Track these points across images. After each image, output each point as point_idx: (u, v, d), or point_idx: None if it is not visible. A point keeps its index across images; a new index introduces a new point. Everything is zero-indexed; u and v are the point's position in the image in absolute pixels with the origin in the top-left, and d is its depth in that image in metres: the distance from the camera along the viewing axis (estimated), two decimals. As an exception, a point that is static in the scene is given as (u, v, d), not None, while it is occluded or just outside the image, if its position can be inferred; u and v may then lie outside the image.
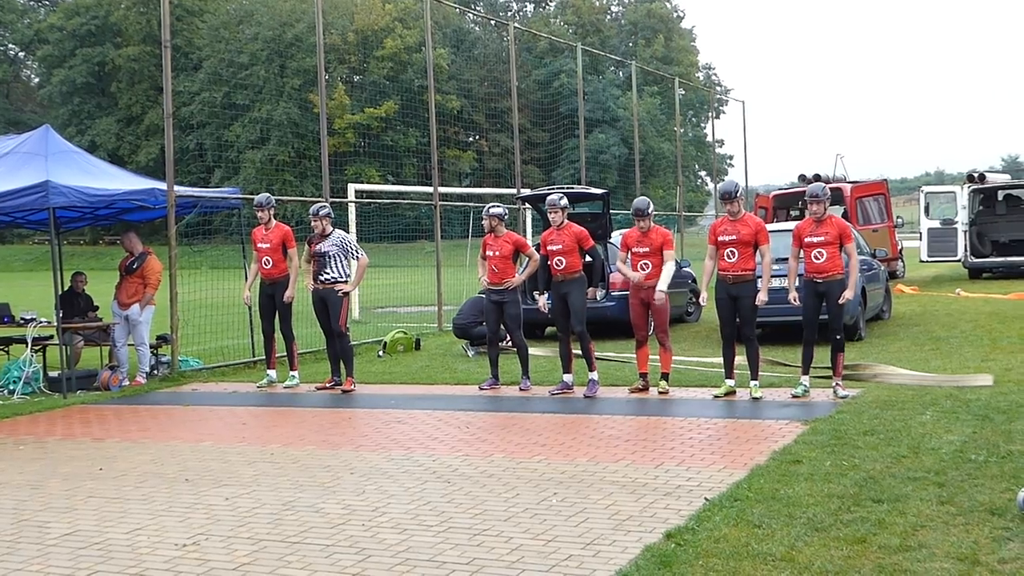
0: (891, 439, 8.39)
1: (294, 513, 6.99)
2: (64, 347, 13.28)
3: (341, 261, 12.50)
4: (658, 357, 11.48)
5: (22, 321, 13.91)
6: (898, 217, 26.14)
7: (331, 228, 12.56)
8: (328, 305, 12.46)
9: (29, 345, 13.40)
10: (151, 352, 14.26)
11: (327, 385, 12.71)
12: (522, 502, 7.03)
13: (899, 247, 26.55)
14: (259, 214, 12.93)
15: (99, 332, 14.24)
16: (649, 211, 11.33)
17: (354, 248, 12.69)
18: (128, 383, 13.60)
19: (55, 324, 13.44)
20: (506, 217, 12.24)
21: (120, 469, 8.61)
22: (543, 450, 8.70)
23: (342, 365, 12.62)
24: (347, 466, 8.40)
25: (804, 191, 23.57)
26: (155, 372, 14.16)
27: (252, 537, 6.46)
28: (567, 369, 11.68)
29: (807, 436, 8.68)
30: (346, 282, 12.62)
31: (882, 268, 17.62)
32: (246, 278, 13.87)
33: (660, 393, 11.18)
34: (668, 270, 11.23)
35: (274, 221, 13.01)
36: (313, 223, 12.50)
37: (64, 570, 5.96)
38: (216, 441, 9.74)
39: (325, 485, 7.76)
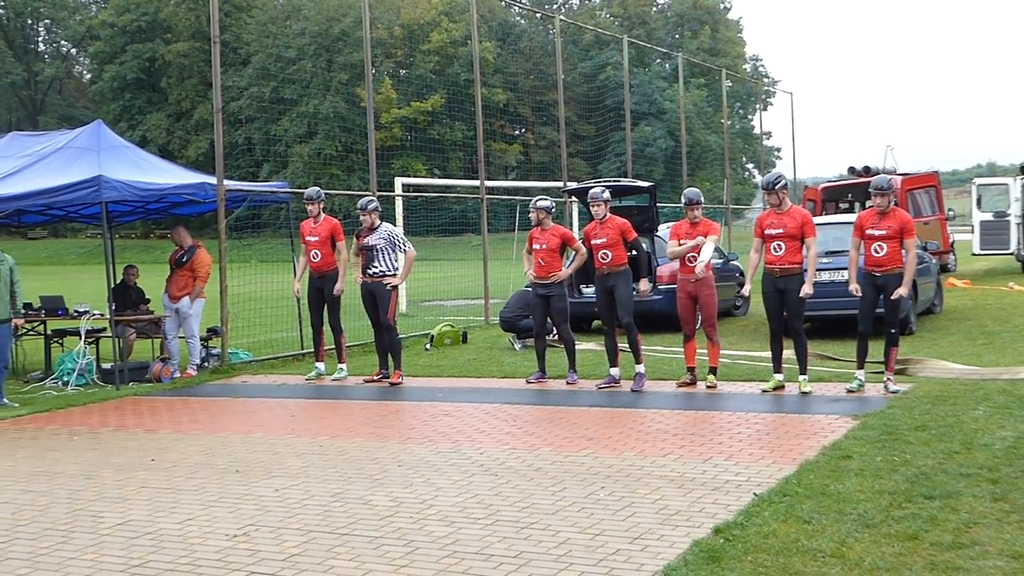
0: (943, 435, 8.29)
1: (342, 505, 7.04)
2: (117, 339, 13.45)
3: (389, 255, 12.55)
4: (706, 351, 11.43)
5: (76, 314, 14.09)
6: (949, 210, 25.77)
7: (379, 221, 12.63)
8: (377, 298, 12.52)
9: (83, 337, 13.59)
10: (202, 344, 14.41)
11: (375, 378, 12.78)
12: (569, 496, 7.03)
13: (950, 240, 26.19)
14: (309, 207, 13.01)
15: (151, 325, 14.41)
16: (700, 201, 11.31)
17: (402, 241, 12.75)
18: (179, 375, 13.74)
19: (108, 316, 13.60)
20: (553, 210, 12.23)
21: (172, 460, 8.72)
22: (590, 444, 8.69)
23: (390, 358, 12.68)
24: (395, 458, 8.44)
25: (853, 183, 23.29)
26: (206, 364, 14.31)
27: (301, 528, 6.51)
28: (613, 363, 11.65)
29: (857, 431, 8.60)
30: (394, 275, 12.67)
31: (933, 261, 17.40)
32: (295, 272, 13.98)
33: (708, 387, 11.13)
34: (708, 248, 11.19)
35: (323, 215, 13.09)
36: (362, 217, 12.57)
37: (117, 559, 6.05)
38: (266, 433, 9.83)
39: (373, 477, 7.80)
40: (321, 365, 13.27)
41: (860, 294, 10.50)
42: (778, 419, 9.50)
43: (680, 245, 11.32)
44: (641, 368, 11.49)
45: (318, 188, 13.28)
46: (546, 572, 5.51)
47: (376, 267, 12.47)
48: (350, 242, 12.94)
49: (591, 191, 11.71)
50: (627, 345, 11.61)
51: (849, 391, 10.50)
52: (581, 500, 6.91)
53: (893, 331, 10.48)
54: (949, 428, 8.52)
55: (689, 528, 6.17)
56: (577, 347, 12.53)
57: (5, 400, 11.95)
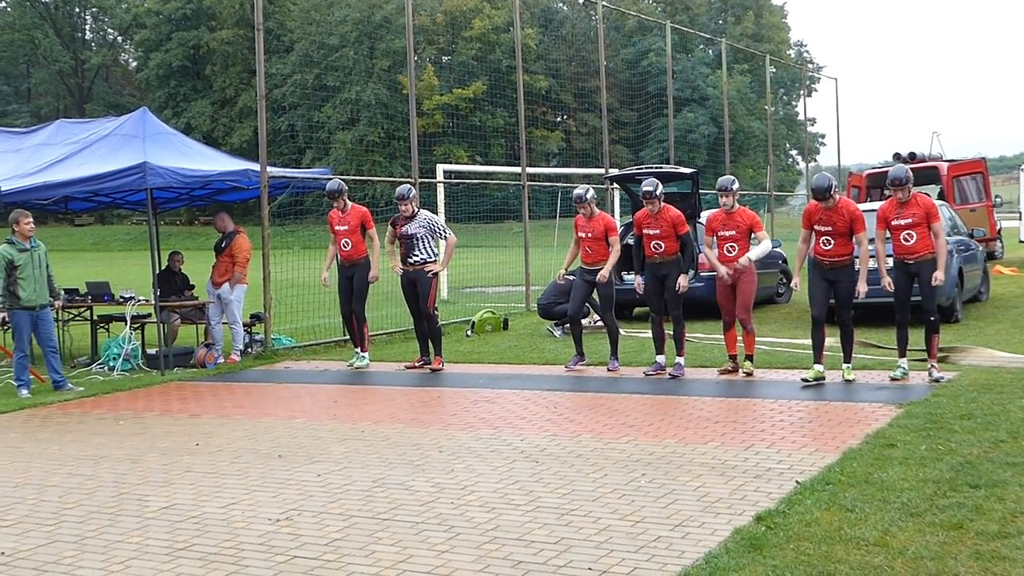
0: (989, 423, 8.20)
1: (384, 490, 7.07)
2: (161, 325, 13.60)
3: (429, 242, 12.57)
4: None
5: (121, 299, 14.26)
6: (996, 196, 25.41)
7: (417, 209, 12.63)
8: (418, 286, 12.55)
9: (128, 323, 13.75)
10: (245, 330, 14.52)
11: (416, 364, 12.82)
12: (610, 483, 7.02)
13: (997, 227, 25.84)
14: (334, 203, 12.97)
15: (195, 311, 14.56)
16: (733, 188, 11.18)
17: (441, 228, 12.76)
18: (223, 360, 13.87)
19: (153, 303, 13.75)
20: (595, 198, 12.20)
21: (216, 445, 8.80)
22: (631, 431, 8.68)
23: (431, 345, 12.71)
24: (436, 444, 8.47)
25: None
26: (249, 350, 14.43)
27: (343, 513, 6.56)
28: (660, 350, 11.61)
29: (902, 419, 8.52)
30: (435, 262, 12.68)
31: (980, 248, 17.18)
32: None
33: (745, 375, 11.07)
34: (763, 247, 11.15)
35: (350, 204, 13.03)
36: (401, 206, 12.56)
37: (162, 542, 6.12)
38: (308, 418, 9.90)
39: (414, 463, 7.84)
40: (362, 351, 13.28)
41: (892, 287, 10.36)
42: (821, 407, 9.43)
43: (715, 239, 11.25)
44: (682, 360, 11.44)
45: (338, 181, 13.13)
46: (587, 558, 5.51)
47: (417, 255, 12.50)
48: (382, 229, 12.93)
49: (644, 188, 11.47)
50: (672, 334, 11.56)
51: (893, 379, 10.41)
52: (622, 487, 6.90)
53: (932, 318, 10.34)
54: (995, 417, 8.42)
55: (730, 516, 6.15)
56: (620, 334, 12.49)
57: (70, 385, 12.10)
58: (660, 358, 11.59)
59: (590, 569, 5.36)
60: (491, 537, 5.94)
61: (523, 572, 5.35)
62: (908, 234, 10.23)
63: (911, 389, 9.92)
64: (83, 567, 5.74)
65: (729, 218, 11.19)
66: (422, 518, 6.37)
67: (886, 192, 23.18)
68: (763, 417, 9.04)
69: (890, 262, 10.51)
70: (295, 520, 6.45)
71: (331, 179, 13.62)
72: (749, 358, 11.26)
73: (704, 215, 17.72)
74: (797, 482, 6.77)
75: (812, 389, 10.28)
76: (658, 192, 11.37)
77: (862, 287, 10.34)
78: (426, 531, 6.11)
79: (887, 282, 10.34)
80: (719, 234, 11.25)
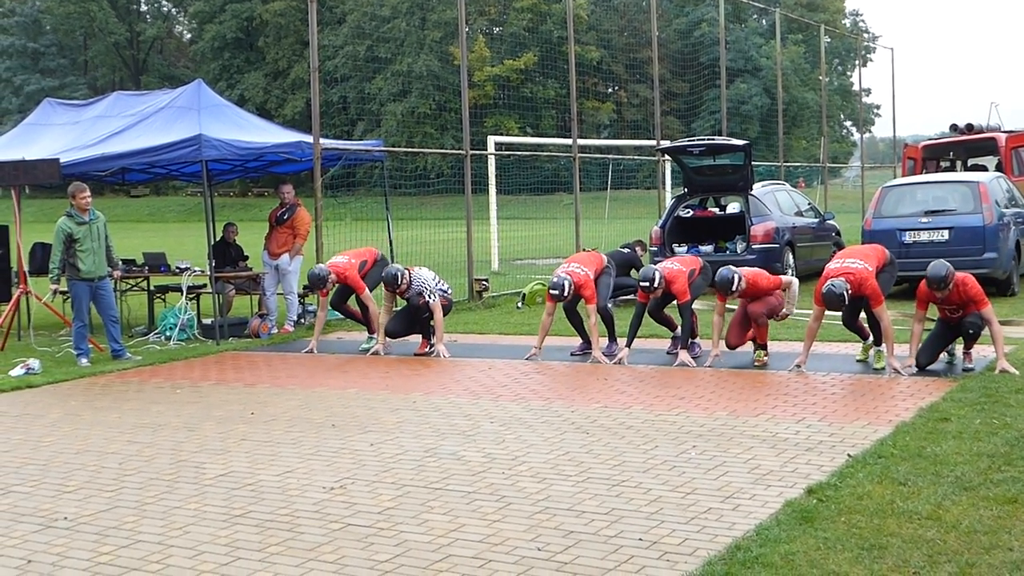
0: (1045, 398, 8.11)
1: (436, 460, 7.15)
2: (216, 295, 13.78)
3: (428, 293, 11.83)
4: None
5: (177, 270, 14.46)
6: (1057, 168, 24.96)
7: (408, 282, 11.87)
8: (418, 313, 11.98)
9: (184, 293, 13.94)
10: (299, 301, 14.66)
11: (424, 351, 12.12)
12: (661, 454, 7.05)
13: (1057, 199, 25.41)
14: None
15: (249, 281, 14.71)
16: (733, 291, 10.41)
17: (431, 289, 11.92)
18: (277, 331, 14.02)
19: (208, 273, 13.92)
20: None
21: (270, 414, 8.93)
22: (682, 403, 8.69)
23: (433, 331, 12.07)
24: (487, 415, 8.53)
25: (955, 141, 22.64)
26: (302, 321, 14.57)
27: (396, 482, 6.64)
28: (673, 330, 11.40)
29: (956, 393, 8.46)
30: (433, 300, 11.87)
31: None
32: (388, 231, 13.86)
33: (756, 364, 10.38)
34: (793, 291, 10.80)
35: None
36: (397, 292, 11.96)
37: (220, 509, 6.24)
38: (361, 388, 10.00)
39: (466, 433, 7.91)
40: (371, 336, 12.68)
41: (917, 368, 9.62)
42: (873, 380, 9.37)
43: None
44: (698, 341, 11.12)
45: (321, 271, 12.30)
46: (638, 529, 5.55)
47: (418, 300, 11.87)
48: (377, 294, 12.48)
49: (642, 283, 10.85)
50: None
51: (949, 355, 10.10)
52: (673, 459, 6.92)
53: (972, 332, 9.59)
54: (1052, 392, 8.33)
55: (782, 488, 6.15)
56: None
57: (128, 354, 12.30)
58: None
59: (641, 539, 5.40)
60: (542, 507, 6.00)
61: (574, 542, 5.40)
62: (953, 311, 9.53)
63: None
64: (143, 532, 5.87)
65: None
66: (474, 488, 6.44)
67: (942, 164, 22.96)
68: (814, 390, 9.01)
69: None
70: (349, 488, 6.55)
71: (383, 150, 13.15)
72: (763, 347, 10.60)
73: (759, 186, 17.64)
74: (849, 455, 6.76)
75: (864, 363, 10.21)
76: (655, 285, 10.70)
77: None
78: (478, 501, 6.18)
79: (911, 364, 9.62)
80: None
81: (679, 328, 11.25)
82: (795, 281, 11.01)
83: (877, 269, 9.89)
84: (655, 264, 11.85)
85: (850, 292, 9.54)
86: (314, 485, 6.66)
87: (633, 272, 14.23)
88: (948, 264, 9.32)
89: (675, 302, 10.96)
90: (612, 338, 11.64)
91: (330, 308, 12.84)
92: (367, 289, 12.41)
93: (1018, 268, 15.11)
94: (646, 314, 11.10)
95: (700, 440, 7.39)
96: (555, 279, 11.16)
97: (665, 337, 11.66)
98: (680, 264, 11.20)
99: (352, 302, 12.73)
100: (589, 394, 9.26)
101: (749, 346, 10.64)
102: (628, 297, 13.85)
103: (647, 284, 10.70)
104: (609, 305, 11.87)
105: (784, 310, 10.72)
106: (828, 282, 9.59)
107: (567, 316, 11.61)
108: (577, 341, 11.70)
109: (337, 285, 12.46)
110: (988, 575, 4.75)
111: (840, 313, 10.19)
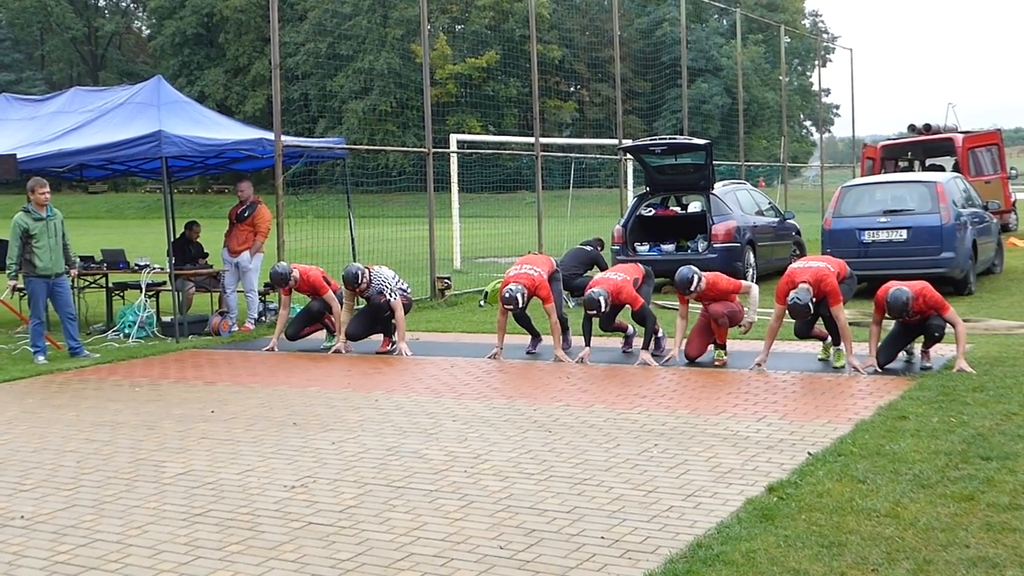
0: (1001, 396, 8.21)
1: (398, 458, 7.13)
2: (176, 293, 13.66)
3: (388, 291, 11.86)
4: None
5: (136, 267, 14.32)
6: (1012, 168, 25.26)
7: (368, 280, 11.88)
8: (379, 311, 11.96)
9: (143, 291, 13.82)
10: (260, 299, 14.57)
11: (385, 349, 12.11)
12: (623, 453, 7.07)
13: (1012, 199, 25.68)
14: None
15: (210, 279, 14.61)
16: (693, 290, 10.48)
17: (391, 287, 11.93)
18: (237, 329, 13.94)
19: (168, 271, 13.81)
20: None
21: (231, 412, 8.87)
22: (644, 401, 8.71)
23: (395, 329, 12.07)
24: (450, 413, 8.52)
25: (913, 142, 22.88)
26: (263, 319, 14.48)
27: (358, 481, 6.62)
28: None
29: (914, 392, 8.54)
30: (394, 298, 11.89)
31: (994, 221, 17.14)
32: (351, 228, 13.80)
33: (716, 363, 10.41)
34: (753, 296, 10.81)
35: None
36: (357, 291, 11.98)
37: (179, 508, 6.19)
38: (322, 387, 9.95)
39: (428, 431, 7.89)
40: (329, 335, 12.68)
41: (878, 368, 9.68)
42: (832, 379, 9.45)
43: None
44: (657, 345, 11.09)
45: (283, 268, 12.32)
46: (600, 527, 5.56)
47: (379, 298, 11.87)
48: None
49: (588, 309, 10.76)
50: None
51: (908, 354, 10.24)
52: (634, 457, 6.94)
53: (937, 335, 9.65)
54: (1008, 389, 8.44)
55: (743, 486, 6.19)
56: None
57: (86, 352, 12.17)
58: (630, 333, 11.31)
59: (603, 538, 5.41)
60: (504, 506, 6.00)
61: (536, 540, 5.41)
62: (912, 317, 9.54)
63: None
64: (101, 531, 5.81)
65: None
66: (436, 486, 6.43)
67: (901, 164, 23.19)
68: (776, 389, 9.07)
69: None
70: (310, 487, 6.51)
71: (345, 148, 13.16)
72: (721, 346, 10.59)
73: (719, 185, 17.74)
74: (809, 453, 6.81)
75: (825, 362, 10.29)
76: (604, 309, 10.59)
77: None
78: (440, 499, 6.17)
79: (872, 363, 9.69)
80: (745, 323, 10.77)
81: (629, 327, 11.31)
82: (755, 287, 11.04)
83: (838, 275, 9.94)
84: (615, 264, 11.83)
85: (812, 296, 9.61)
86: (275, 484, 6.62)
87: (596, 269, 14.27)
88: (906, 290, 9.31)
89: (627, 308, 10.93)
90: (566, 340, 11.65)
91: (287, 327, 12.62)
92: (330, 290, 12.34)
93: (975, 268, 15.29)
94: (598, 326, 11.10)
95: (662, 438, 7.42)
96: (507, 293, 11.04)
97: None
98: (623, 273, 11.13)
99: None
100: (551, 392, 9.27)
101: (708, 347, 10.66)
102: None
103: (594, 312, 10.59)
104: (563, 310, 11.90)
105: (747, 318, 10.74)
106: (793, 292, 9.61)
107: (515, 319, 11.49)
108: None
109: (299, 311, 12.41)
110: (945, 572, 4.80)
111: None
